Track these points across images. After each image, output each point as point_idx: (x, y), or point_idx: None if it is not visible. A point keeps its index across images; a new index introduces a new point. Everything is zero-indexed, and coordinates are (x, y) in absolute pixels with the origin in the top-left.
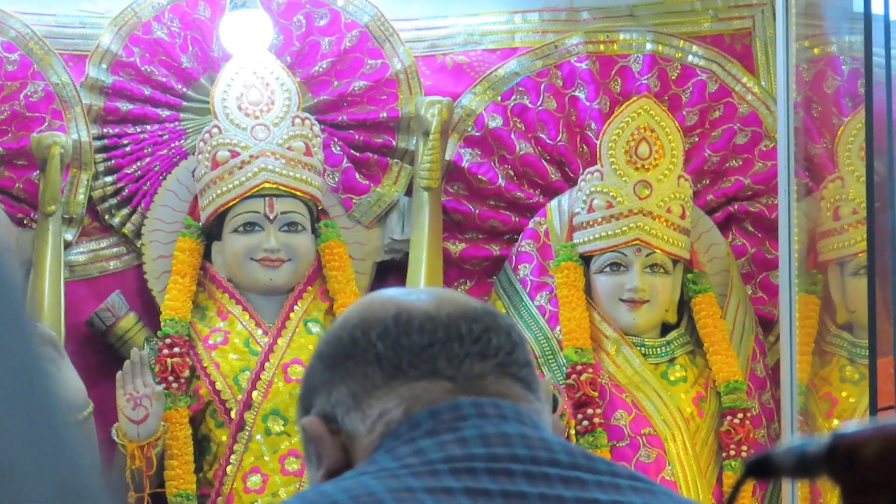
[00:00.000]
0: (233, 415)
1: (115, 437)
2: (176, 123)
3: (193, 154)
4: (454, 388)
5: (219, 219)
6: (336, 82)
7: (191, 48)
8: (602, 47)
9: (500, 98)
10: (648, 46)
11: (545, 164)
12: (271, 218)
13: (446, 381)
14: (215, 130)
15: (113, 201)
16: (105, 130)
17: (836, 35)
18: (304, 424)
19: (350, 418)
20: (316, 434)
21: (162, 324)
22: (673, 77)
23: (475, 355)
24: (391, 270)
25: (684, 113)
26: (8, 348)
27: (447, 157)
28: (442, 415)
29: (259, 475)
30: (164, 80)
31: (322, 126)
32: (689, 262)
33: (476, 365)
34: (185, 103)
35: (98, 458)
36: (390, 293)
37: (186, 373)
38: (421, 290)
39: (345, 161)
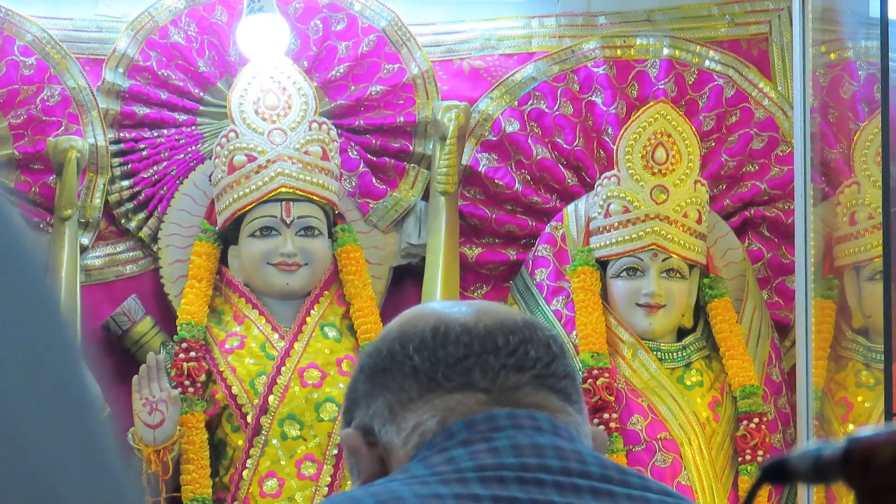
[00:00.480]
0: (249, 419)
1: (130, 442)
2: (193, 128)
3: (210, 158)
4: (489, 399)
5: (235, 223)
6: (353, 87)
7: (207, 52)
8: (619, 52)
9: (517, 103)
10: (665, 51)
11: (562, 168)
12: (288, 222)
13: (481, 393)
14: (232, 135)
15: (129, 205)
16: (122, 135)
17: (852, 40)
18: (343, 437)
19: (386, 431)
20: (353, 447)
21: (178, 328)
22: (690, 82)
23: (511, 367)
24: (408, 275)
25: (701, 118)
26: (48, 341)
27: (464, 162)
28: (477, 426)
29: (275, 479)
30: (180, 84)
31: (339, 130)
32: (705, 266)
33: (512, 377)
34: (201, 107)
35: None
36: (433, 306)
37: (203, 377)
38: (464, 303)
39: (361, 165)
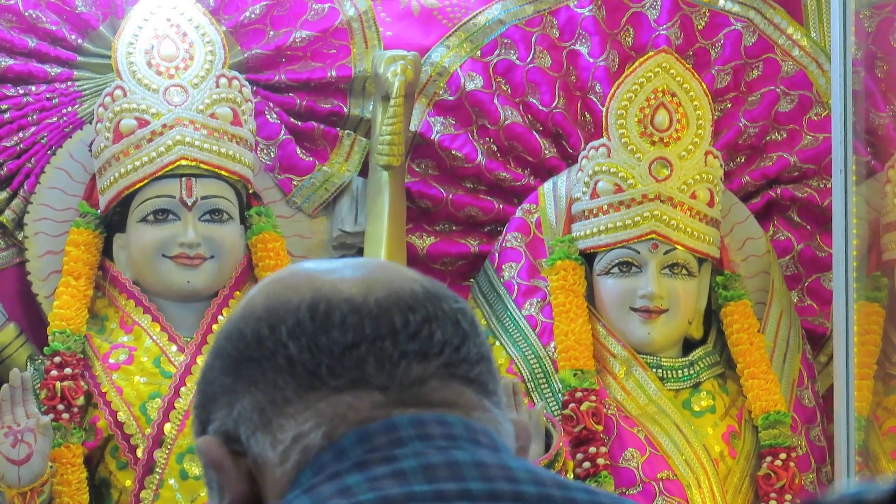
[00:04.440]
0: (139, 453)
1: None
2: (69, 84)
3: (90, 123)
4: (387, 400)
5: (122, 205)
6: (272, 32)
7: None
8: None
9: (479, 53)
10: None
11: (537, 136)
12: (189, 204)
13: (377, 391)
14: (118, 93)
15: None
16: None
17: None
18: (198, 446)
19: (257, 440)
20: (214, 459)
21: (50, 338)
22: (700, 27)
23: (413, 355)
24: None
25: (714, 72)
26: None
27: (412, 128)
28: (374, 439)
29: None
30: (53, 28)
31: (254, 88)
32: (718, 261)
33: (415, 368)
34: (80, 58)
35: None
36: (307, 268)
37: (80, 400)
38: (347, 263)
39: (283, 132)
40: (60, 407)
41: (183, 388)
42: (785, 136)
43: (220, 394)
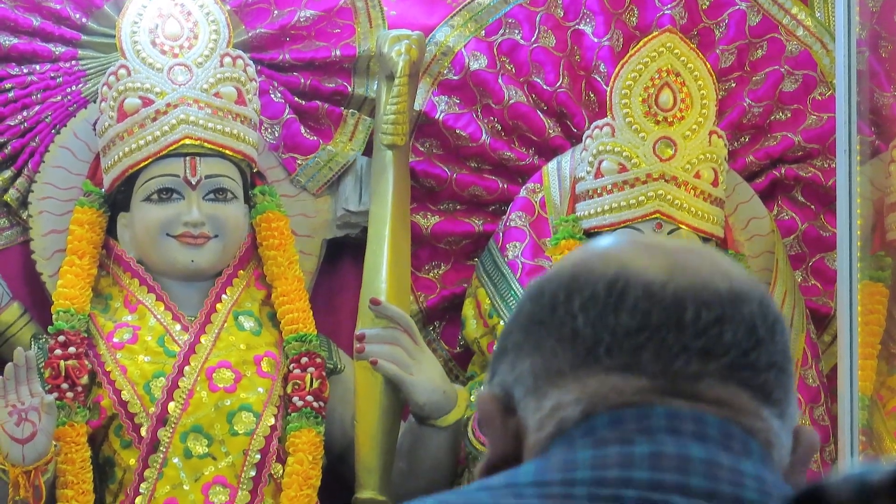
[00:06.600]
0: (143, 432)
1: None
2: (73, 63)
3: (95, 102)
4: (653, 387)
5: (127, 184)
6: (276, 11)
7: None
8: None
9: (483, 32)
10: None
11: (541, 115)
12: (193, 183)
13: (646, 378)
14: (123, 72)
15: None
16: None
17: None
18: (477, 399)
19: (526, 404)
20: (484, 413)
21: (54, 317)
22: (704, 7)
23: (695, 352)
24: (345, 250)
25: (718, 51)
26: None
27: (417, 108)
28: (625, 423)
29: None
30: (57, 7)
31: (258, 67)
32: (722, 240)
33: (693, 364)
34: (84, 37)
35: None
36: (622, 244)
37: (85, 379)
38: (663, 245)
39: (287, 111)
40: (64, 386)
41: (187, 367)
42: (789, 115)
43: (510, 349)
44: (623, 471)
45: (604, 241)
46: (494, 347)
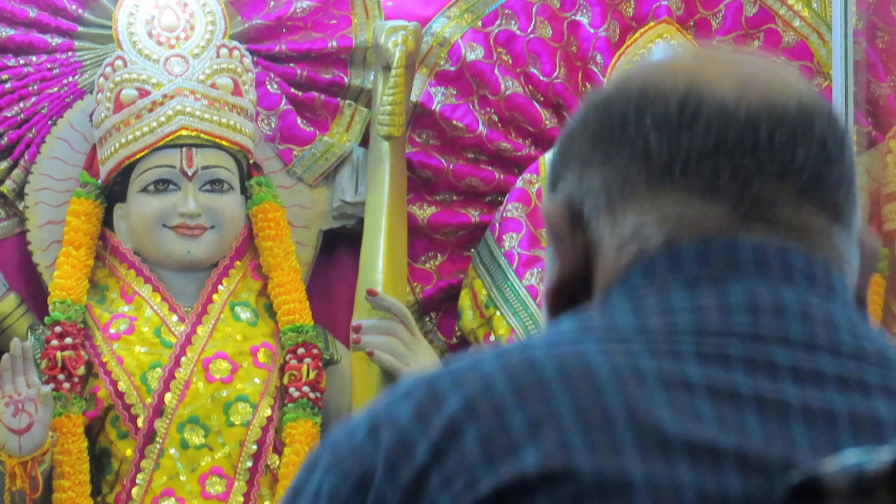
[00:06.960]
0: (140, 423)
1: None
2: (69, 54)
3: (91, 93)
4: (734, 216)
5: (123, 175)
6: (273, 2)
7: None
8: None
9: (480, 23)
10: None
11: (538, 106)
12: (190, 174)
13: (726, 204)
14: (119, 63)
15: None
16: None
17: None
18: (544, 209)
19: (598, 223)
20: (553, 225)
21: (50, 307)
22: None
23: (771, 174)
24: (342, 241)
25: (715, 43)
26: None
27: (413, 98)
28: (711, 256)
29: (173, 499)
30: None
31: (255, 58)
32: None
33: (769, 186)
34: (80, 28)
35: None
36: (687, 57)
37: (81, 370)
38: (729, 58)
39: (284, 102)
40: (61, 377)
41: (183, 358)
42: None
43: (576, 157)
44: (721, 319)
45: (672, 54)
46: (554, 152)
